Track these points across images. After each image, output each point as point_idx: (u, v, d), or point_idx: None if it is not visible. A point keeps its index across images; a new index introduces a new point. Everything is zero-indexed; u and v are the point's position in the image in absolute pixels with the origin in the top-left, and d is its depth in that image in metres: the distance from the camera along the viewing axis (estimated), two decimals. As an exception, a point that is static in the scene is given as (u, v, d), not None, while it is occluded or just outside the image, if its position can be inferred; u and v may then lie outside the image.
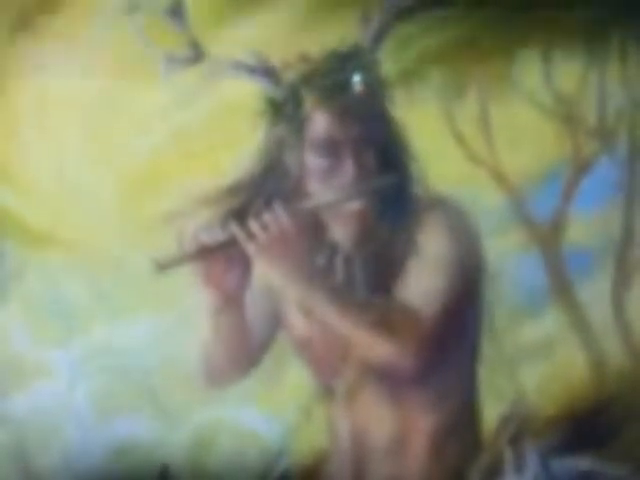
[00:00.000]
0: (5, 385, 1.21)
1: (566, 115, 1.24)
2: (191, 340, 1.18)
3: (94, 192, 1.22)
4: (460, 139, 1.22)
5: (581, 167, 1.25)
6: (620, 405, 1.25)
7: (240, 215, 1.18)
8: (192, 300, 1.20)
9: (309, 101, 1.20)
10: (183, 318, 1.19)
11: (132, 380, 1.21)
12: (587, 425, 1.24)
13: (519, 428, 1.28)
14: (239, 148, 1.20)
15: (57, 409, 1.21)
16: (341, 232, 1.19)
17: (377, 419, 1.22)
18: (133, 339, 1.21)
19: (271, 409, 1.22)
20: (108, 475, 1.22)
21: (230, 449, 1.23)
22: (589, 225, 1.25)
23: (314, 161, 1.19)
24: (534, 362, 1.23)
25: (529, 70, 1.23)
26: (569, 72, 1.24)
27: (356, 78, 1.24)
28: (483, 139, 1.22)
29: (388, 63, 1.20)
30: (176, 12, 1.20)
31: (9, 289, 1.22)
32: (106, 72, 1.20)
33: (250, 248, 1.16)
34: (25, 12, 1.22)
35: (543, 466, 1.23)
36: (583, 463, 1.26)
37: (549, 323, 1.24)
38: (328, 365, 1.22)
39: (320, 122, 1.19)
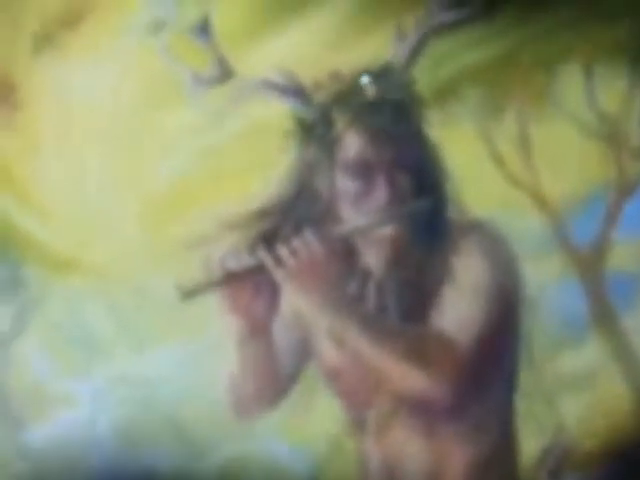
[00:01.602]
0: (25, 416, 1.21)
1: (609, 135, 1.24)
2: (217, 370, 1.19)
3: (117, 216, 1.22)
4: (498, 160, 1.22)
5: (625, 190, 1.24)
6: (663, 439, 1.25)
7: (268, 240, 1.18)
8: (218, 329, 1.20)
9: (341, 122, 1.19)
10: (208, 347, 1.17)
11: (156, 410, 1.21)
12: (630, 459, 1.22)
13: (559, 462, 1.27)
14: (268, 170, 1.21)
15: (79, 440, 1.20)
16: (373, 258, 1.19)
17: (410, 453, 1.20)
18: (157, 368, 1.21)
19: (300, 441, 1.21)
20: (133, 511, 1.23)
21: (259, 482, 1.24)
22: (633, 250, 1.25)
23: (346, 184, 1.17)
24: (574, 393, 1.22)
25: (570, 88, 1.23)
26: (613, 90, 1.24)
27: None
28: (522, 160, 1.23)
29: (423, 81, 1.21)
30: (203, 30, 1.21)
31: (30, 316, 1.22)
32: (130, 91, 1.21)
33: (278, 274, 1.15)
34: (47, 26, 1.22)
35: (585, 503, 1.25)
36: (625, 499, 1.27)
37: (590, 353, 1.24)
38: (359, 396, 1.20)
39: (352, 143, 1.18)
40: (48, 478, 1.25)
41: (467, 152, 1.25)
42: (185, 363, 1.24)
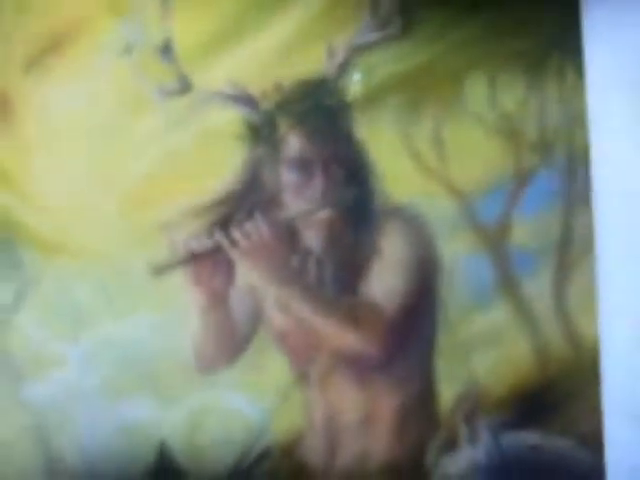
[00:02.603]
0: (25, 375, 1.39)
1: (509, 132, 1.38)
2: (184, 333, 1.35)
3: (98, 207, 1.37)
4: (416, 155, 1.37)
5: (523, 178, 1.40)
6: (561, 386, 1.40)
7: (224, 225, 1.39)
8: (184, 299, 1.37)
9: (284, 125, 1.40)
10: (177, 314, 1.34)
11: (134, 369, 1.36)
12: (533, 404, 1.38)
13: (472, 407, 1.43)
14: (223, 167, 1.36)
15: (70, 395, 1.36)
16: (313, 238, 1.39)
17: (347, 401, 1.39)
18: (134, 333, 1.36)
19: (254, 393, 1.36)
20: (115, 450, 1.38)
21: (219, 428, 1.37)
22: (531, 229, 1.40)
23: (289, 177, 1.39)
24: (484, 349, 1.38)
25: (476, 94, 1.37)
26: (512, 94, 1.38)
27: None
28: (436, 155, 1.37)
29: (352, 90, 1.39)
30: (166, 50, 1.37)
31: (27, 293, 1.37)
32: (106, 103, 1.35)
33: (234, 253, 1.37)
34: (35, 52, 1.38)
35: (494, 440, 1.40)
36: (530, 437, 1.43)
37: (497, 315, 1.38)
38: (303, 354, 1.38)
39: (293, 143, 1.39)
40: (45, 427, 1.45)
41: (389, 149, 1.38)
42: (157, 328, 1.35)
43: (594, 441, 1.40)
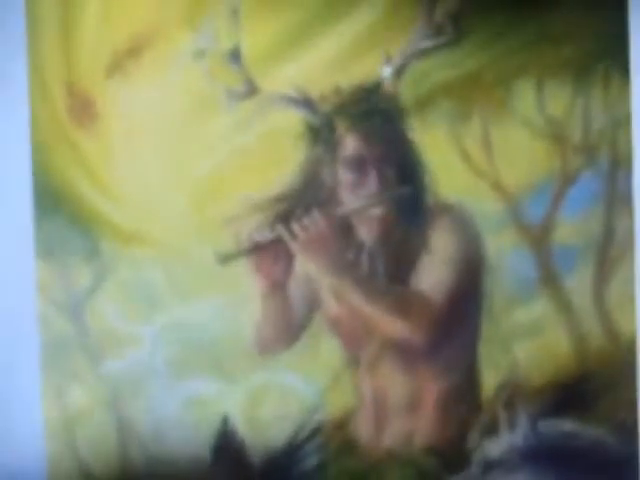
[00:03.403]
0: (103, 352, 1.51)
1: (555, 135, 1.46)
2: (246, 318, 1.48)
3: (171, 201, 1.48)
4: (465, 156, 1.45)
5: (568, 179, 1.48)
6: (598, 378, 1.47)
7: (285, 219, 1.51)
8: (247, 286, 1.50)
9: (341, 127, 1.50)
10: (240, 300, 1.46)
11: (200, 349, 1.48)
12: (570, 393, 1.46)
13: (512, 394, 1.52)
14: (285, 165, 1.48)
15: (142, 371, 1.49)
16: (366, 233, 1.50)
17: (394, 384, 1.50)
18: (201, 317, 1.47)
19: (309, 374, 1.47)
20: (181, 423, 1.51)
21: (276, 405, 1.48)
22: (574, 228, 1.47)
23: (345, 175, 1.50)
24: (526, 340, 1.46)
25: (524, 98, 1.45)
26: (559, 99, 1.45)
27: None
28: (485, 156, 1.45)
29: (406, 94, 1.47)
30: (235, 56, 1.48)
31: (105, 278, 1.49)
32: (180, 105, 1.46)
33: (293, 245, 1.50)
34: (116, 58, 1.52)
35: (532, 426, 1.49)
36: (566, 425, 1.51)
37: (538, 309, 1.47)
38: (355, 339, 1.49)
39: (350, 144, 1.50)
40: (119, 399, 1.58)
41: (440, 150, 1.46)
42: (222, 313, 1.46)
43: (629, 431, 1.49)
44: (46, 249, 1.49)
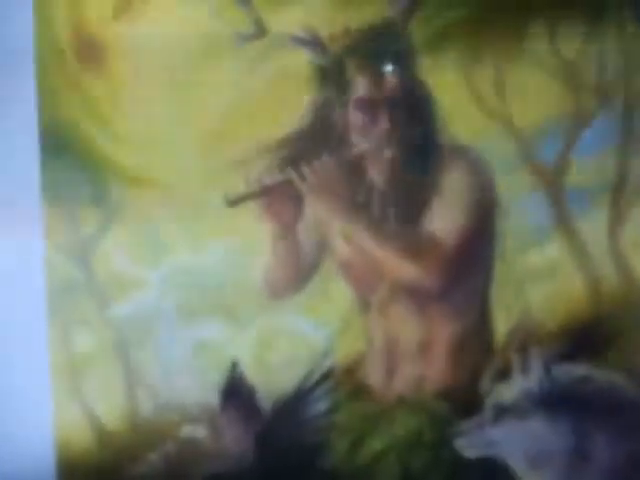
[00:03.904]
0: (110, 296, 1.49)
1: (569, 77, 1.45)
2: (256, 261, 1.46)
3: (179, 143, 1.46)
4: (478, 97, 1.43)
5: (582, 121, 1.46)
6: (612, 321, 1.47)
7: (295, 161, 1.48)
8: (256, 229, 1.48)
9: (351, 68, 1.49)
10: (249, 244, 1.45)
11: (208, 293, 1.47)
12: (584, 337, 1.46)
13: (525, 338, 1.51)
14: (294, 107, 1.46)
15: (150, 315, 1.47)
16: (377, 175, 1.49)
17: (405, 328, 1.49)
18: (209, 260, 1.46)
19: (319, 318, 1.46)
20: (190, 367, 1.50)
21: (286, 349, 1.47)
22: (588, 170, 1.47)
23: (355, 117, 1.48)
24: (539, 283, 1.45)
25: (538, 40, 1.43)
26: (572, 41, 1.44)
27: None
28: (497, 97, 1.44)
29: (416, 34, 1.46)
30: None
31: (112, 221, 1.48)
32: (188, 47, 1.46)
33: (303, 188, 1.48)
34: (123, 2, 1.53)
35: (545, 370, 1.46)
36: (580, 369, 1.50)
37: (552, 251, 1.45)
38: (365, 283, 1.48)
39: (360, 85, 1.48)
40: (126, 343, 1.56)
41: (452, 92, 1.44)
42: (230, 256, 1.44)
43: (643, 375, 1.50)
44: (53, 194, 1.47)
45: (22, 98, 1.50)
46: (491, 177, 1.45)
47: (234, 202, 1.45)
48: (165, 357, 1.47)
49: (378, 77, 1.45)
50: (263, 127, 1.45)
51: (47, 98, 1.49)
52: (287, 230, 1.46)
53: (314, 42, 1.45)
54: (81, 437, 1.48)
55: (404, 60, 1.45)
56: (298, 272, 1.47)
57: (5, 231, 1.51)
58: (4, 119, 1.50)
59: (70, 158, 1.48)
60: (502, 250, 1.46)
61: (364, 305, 1.47)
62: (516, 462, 1.47)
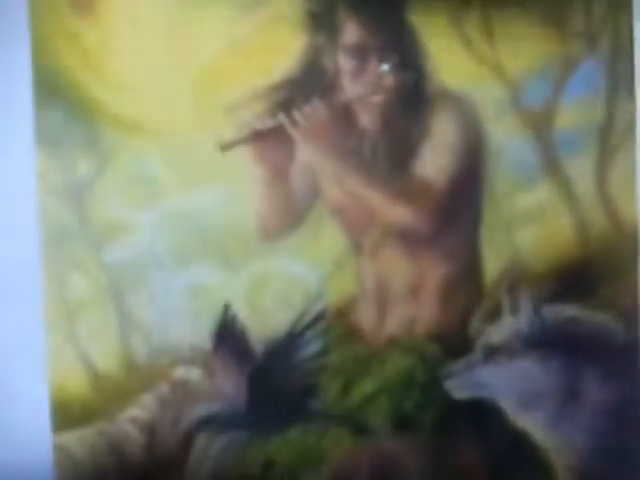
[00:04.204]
0: (103, 239, 1.50)
1: (556, 21, 1.47)
2: (248, 205, 1.47)
3: (172, 90, 1.47)
4: (467, 42, 1.45)
5: (569, 65, 1.47)
6: (600, 263, 1.48)
7: (286, 107, 1.50)
8: (249, 174, 1.49)
9: (342, 13, 1.51)
10: (242, 188, 1.46)
11: (201, 237, 1.47)
12: (572, 279, 1.48)
13: (515, 280, 1.53)
14: (285, 53, 1.47)
15: (144, 259, 1.48)
16: (368, 120, 1.51)
17: (397, 270, 1.51)
18: (202, 204, 1.47)
19: (311, 260, 1.47)
20: (184, 309, 1.51)
21: (278, 291, 1.49)
22: (575, 114, 1.49)
23: (346, 62, 1.50)
24: (528, 226, 1.47)
25: None
26: None
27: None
28: (486, 42, 1.45)
29: None
30: None
31: (105, 167, 1.49)
32: None
33: (294, 133, 1.50)
34: None
35: (535, 311, 1.50)
36: (569, 310, 1.53)
37: (541, 194, 1.47)
38: (357, 227, 1.50)
39: (351, 31, 1.50)
40: (120, 286, 1.56)
41: (441, 37, 1.46)
42: (223, 200, 1.45)
43: (631, 316, 1.50)
44: (46, 139, 1.48)
45: (16, 46, 1.51)
46: (480, 122, 1.47)
47: (227, 147, 1.47)
48: (159, 300, 1.49)
49: (368, 23, 1.49)
50: (255, 73, 1.46)
51: (41, 46, 1.50)
52: (279, 174, 1.48)
53: (304, -13, 1.51)
54: (76, 380, 1.49)
55: (394, 5, 1.48)
56: (290, 216, 1.48)
57: (-1, 177, 1.56)
58: (-3, 66, 1.54)
59: (64, 105, 1.49)
60: (491, 194, 1.48)
61: (356, 248, 1.49)
62: (506, 402, 1.50)
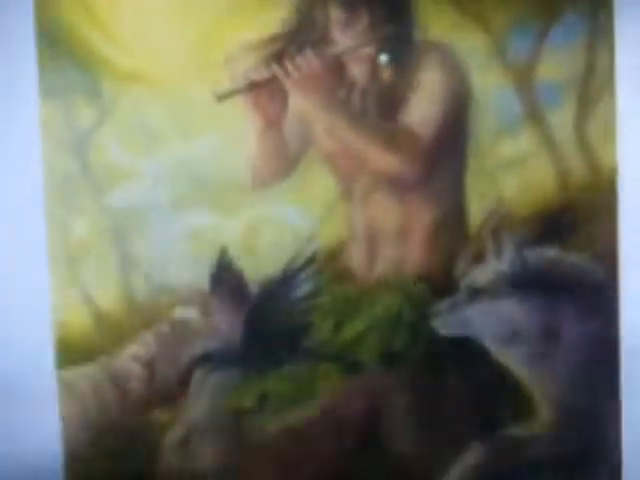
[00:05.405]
0: (105, 186, 1.57)
1: None
2: (243, 153, 1.54)
3: (171, 43, 1.53)
4: None
5: (550, 17, 1.54)
6: (579, 208, 1.56)
7: (279, 58, 1.58)
8: (243, 123, 1.57)
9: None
10: (237, 137, 1.53)
11: (199, 183, 1.55)
12: (553, 222, 1.55)
13: (499, 224, 1.60)
14: (278, 6, 1.55)
15: (144, 203, 1.55)
16: (358, 71, 1.58)
17: (386, 215, 1.58)
18: (199, 152, 1.54)
19: (303, 206, 1.55)
20: (182, 254, 1.57)
21: (272, 235, 1.56)
22: (557, 65, 1.55)
23: (336, 15, 1.57)
24: (511, 172, 1.54)
25: None
26: None
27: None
28: None
29: None
30: None
31: (107, 116, 1.56)
32: None
33: (287, 83, 1.57)
34: None
35: (517, 253, 1.57)
36: (550, 252, 1.60)
37: (524, 142, 1.54)
38: (348, 173, 1.57)
39: (341, -19, 1.60)
40: (122, 230, 1.62)
41: None
42: (219, 148, 1.51)
43: (609, 257, 1.58)
44: (49, 89, 1.55)
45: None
46: (465, 72, 1.54)
47: (222, 97, 1.54)
48: (158, 244, 1.57)
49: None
50: (250, 26, 1.52)
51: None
52: (273, 124, 1.54)
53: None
54: (79, 320, 1.58)
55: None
56: (283, 163, 1.55)
57: (3, 126, 1.62)
58: (0, 19, 1.60)
59: (66, 57, 1.55)
60: (476, 142, 1.55)
61: (346, 194, 1.56)
62: (489, 340, 1.59)
